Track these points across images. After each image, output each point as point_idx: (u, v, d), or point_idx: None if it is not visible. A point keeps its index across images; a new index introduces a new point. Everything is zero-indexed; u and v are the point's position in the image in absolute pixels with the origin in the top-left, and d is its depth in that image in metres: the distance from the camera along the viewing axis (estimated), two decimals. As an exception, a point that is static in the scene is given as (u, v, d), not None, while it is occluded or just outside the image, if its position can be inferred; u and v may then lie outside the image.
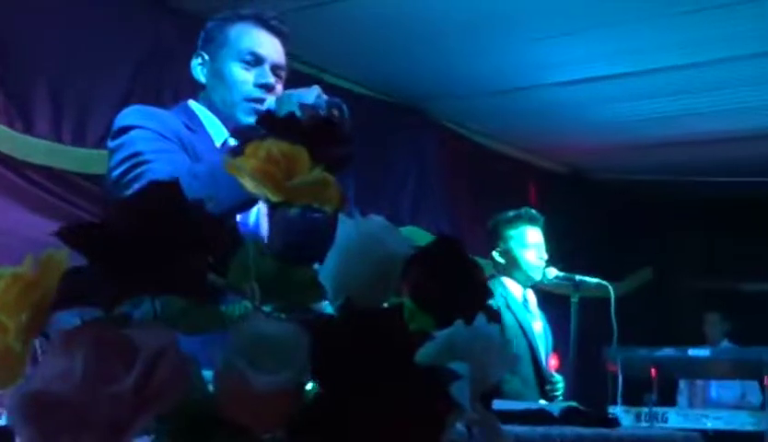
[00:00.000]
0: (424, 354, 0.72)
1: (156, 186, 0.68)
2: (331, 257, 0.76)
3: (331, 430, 0.64)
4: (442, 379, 0.68)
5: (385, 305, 0.77)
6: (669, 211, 7.63)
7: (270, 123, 0.84)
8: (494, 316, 0.81)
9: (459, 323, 0.76)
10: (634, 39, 4.91)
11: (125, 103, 3.84)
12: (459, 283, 0.81)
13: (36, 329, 0.67)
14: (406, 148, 5.78)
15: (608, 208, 7.23)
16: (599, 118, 6.11)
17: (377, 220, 0.76)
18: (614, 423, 1.71)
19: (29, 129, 4.02)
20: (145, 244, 0.66)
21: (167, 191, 0.68)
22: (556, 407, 1.70)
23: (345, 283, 0.74)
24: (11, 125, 3.94)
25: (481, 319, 0.77)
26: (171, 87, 4.36)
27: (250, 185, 0.80)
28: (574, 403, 1.82)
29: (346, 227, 0.76)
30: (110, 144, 2.06)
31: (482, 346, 0.76)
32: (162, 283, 0.65)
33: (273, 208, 0.81)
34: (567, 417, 1.60)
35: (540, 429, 1.42)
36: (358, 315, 0.67)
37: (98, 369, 0.63)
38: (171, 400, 0.62)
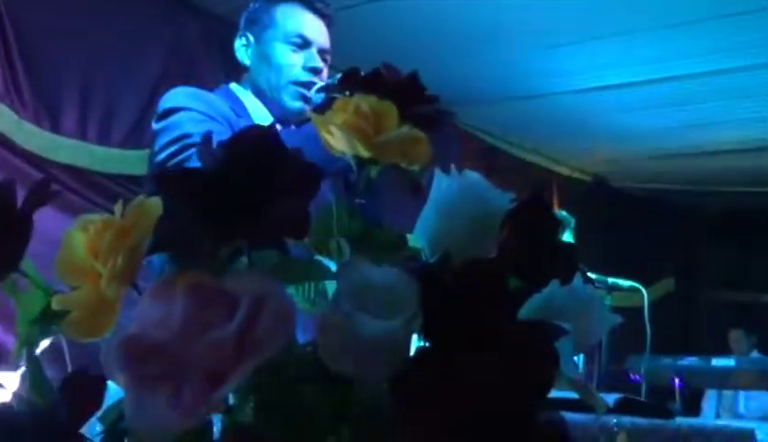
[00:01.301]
0: (523, 311, 0.69)
1: (253, 130, 0.66)
2: (427, 212, 0.73)
3: (437, 383, 0.62)
4: (548, 335, 0.65)
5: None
6: (691, 221, 7.58)
7: (355, 80, 0.81)
8: (588, 279, 0.78)
9: (554, 283, 0.73)
10: (659, 46, 4.88)
11: (151, 103, 3.84)
12: (548, 242, 0.78)
13: (129, 276, 0.64)
14: (428, 153, 5.74)
15: (630, 217, 7.18)
16: (622, 126, 6.08)
17: (474, 175, 0.73)
18: (670, 414, 1.67)
19: (55, 127, 4.01)
20: (243, 188, 0.63)
21: (264, 135, 0.66)
22: (610, 397, 1.66)
23: (444, 239, 0.71)
24: (38, 124, 3.93)
25: (577, 280, 0.75)
26: (197, 87, 4.34)
27: (337, 141, 0.77)
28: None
29: (444, 183, 0.73)
30: (155, 126, 2.01)
31: (580, 307, 0.73)
32: (261, 227, 0.63)
33: (359, 167, 0.78)
34: (622, 407, 1.57)
35: (597, 418, 1.39)
36: (463, 267, 0.65)
37: (197, 316, 0.60)
38: (275, 348, 0.59)
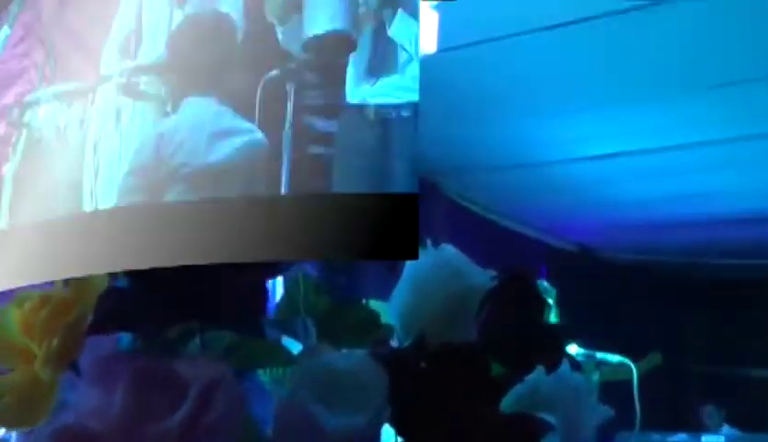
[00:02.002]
0: (505, 401, 0.63)
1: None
2: (401, 289, 0.66)
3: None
4: (533, 431, 0.59)
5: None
6: (680, 292, 7.52)
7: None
8: (577, 364, 0.72)
9: (540, 370, 0.67)
10: (647, 116, 4.85)
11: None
12: (534, 324, 0.72)
13: (67, 357, 0.58)
14: (416, 222, 5.68)
15: (618, 288, 7.11)
16: (610, 195, 6.03)
17: (451, 249, 0.67)
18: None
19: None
20: (195, 265, 0.57)
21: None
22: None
23: (418, 318, 0.65)
24: None
25: (565, 366, 0.68)
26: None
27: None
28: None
29: (419, 257, 0.66)
30: None
31: (568, 397, 0.66)
32: (214, 307, 0.57)
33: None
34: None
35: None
36: (440, 351, 0.58)
37: (139, 404, 0.54)
38: (228, 438, 0.53)
